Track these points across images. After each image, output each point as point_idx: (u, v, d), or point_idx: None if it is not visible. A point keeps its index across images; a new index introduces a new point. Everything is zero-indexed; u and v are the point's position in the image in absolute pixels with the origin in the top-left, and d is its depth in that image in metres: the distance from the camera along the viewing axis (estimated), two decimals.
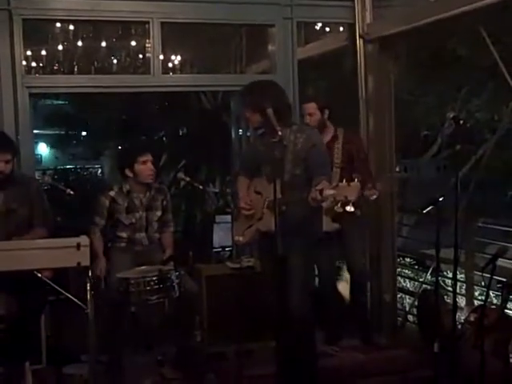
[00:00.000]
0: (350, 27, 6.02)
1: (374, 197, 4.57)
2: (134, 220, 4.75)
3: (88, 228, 4.66)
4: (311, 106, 4.98)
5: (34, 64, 5.77)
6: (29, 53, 5.60)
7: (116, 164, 5.33)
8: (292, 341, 3.97)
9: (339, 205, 3.56)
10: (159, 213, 4.86)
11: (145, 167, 4.69)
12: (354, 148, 4.99)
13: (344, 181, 3.55)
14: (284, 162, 3.93)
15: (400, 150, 5.12)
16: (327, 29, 6.71)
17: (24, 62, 5.27)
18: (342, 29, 6.34)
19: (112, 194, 4.75)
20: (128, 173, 4.71)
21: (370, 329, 5.20)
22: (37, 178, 5.54)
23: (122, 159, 4.92)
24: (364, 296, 5.29)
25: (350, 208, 3.69)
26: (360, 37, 5.93)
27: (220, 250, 5.81)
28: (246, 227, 4.14)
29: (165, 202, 4.90)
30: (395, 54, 6.30)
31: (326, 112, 5.01)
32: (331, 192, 3.54)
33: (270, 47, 6.06)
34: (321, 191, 3.55)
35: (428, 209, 4.04)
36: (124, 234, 4.75)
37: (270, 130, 3.88)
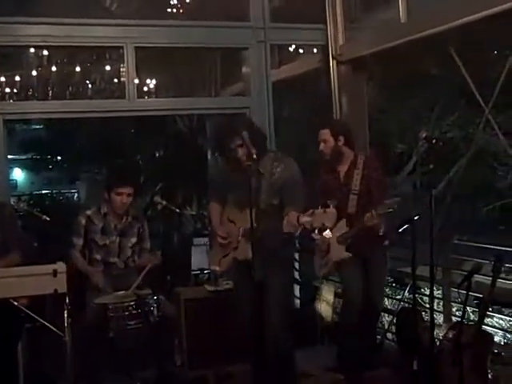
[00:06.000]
0: (323, 49, 6.10)
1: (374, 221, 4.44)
2: (107, 242, 4.76)
3: (66, 252, 4.66)
4: (325, 133, 4.70)
5: (7, 90, 5.76)
6: (2, 79, 5.59)
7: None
8: (271, 362, 3.97)
9: (316, 231, 3.60)
10: (134, 239, 4.85)
11: (118, 198, 4.70)
12: (372, 176, 4.70)
13: (320, 207, 3.57)
14: (259, 191, 3.93)
15: None
16: (301, 51, 6.79)
17: None
18: (315, 50, 6.42)
19: (88, 213, 4.78)
20: (106, 196, 4.74)
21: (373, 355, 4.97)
22: (12, 203, 5.50)
23: (105, 181, 4.96)
24: (373, 327, 5.03)
25: (327, 234, 3.72)
26: (333, 58, 6.01)
27: (198, 272, 5.79)
28: (222, 256, 4.15)
29: (141, 230, 4.89)
30: (368, 75, 6.40)
31: (341, 139, 4.69)
32: (308, 219, 3.58)
33: (244, 70, 6.12)
34: (297, 218, 3.58)
35: (404, 227, 4.07)
36: (98, 257, 4.74)
37: (246, 155, 3.86)
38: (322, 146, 4.74)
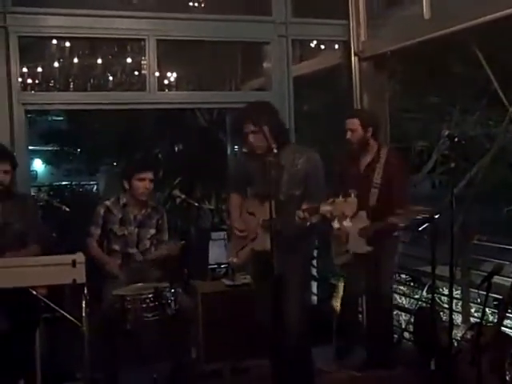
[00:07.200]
0: (345, 45, 6.06)
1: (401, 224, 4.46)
2: (126, 232, 4.76)
3: (84, 241, 4.68)
4: (353, 122, 4.71)
5: (29, 81, 5.77)
6: (25, 70, 5.61)
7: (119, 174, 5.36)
8: (288, 358, 3.96)
9: (336, 220, 3.59)
10: (152, 231, 4.85)
11: (141, 184, 4.69)
12: (394, 169, 4.70)
13: (340, 196, 3.56)
14: (280, 182, 3.92)
15: None
16: (322, 46, 6.75)
17: (20, 79, 5.29)
18: (336, 46, 6.38)
19: (107, 203, 4.79)
20: (126, 185, 4.75)
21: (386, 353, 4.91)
22: (32, 194, 5.53)
23: (123, 170, 4.96)
24: (387, 320, 5.01)
25: (347, 223, 3.71)
26: (355, 54, 5.97)
27: (215, 266, 5.80)
28: (240, 248, 4.14)
29: (160, 222, 4.89)
30: (390, 72, 6.35)
31: (370, 130, 4.72)
32: (328, 208, 3.57)
33: (265, 64, 6.09)
34: (309, 210, 3.58)
35: (424, 226, 4.03)
36: (116, 247, 4.74)
37: (265, 148, 3.86)
38: (349, 134, 4.74)
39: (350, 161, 4.85)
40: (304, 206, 3.73)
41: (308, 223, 3.77)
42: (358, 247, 4.65)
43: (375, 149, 4.78)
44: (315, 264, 6.02)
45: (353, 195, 3.57)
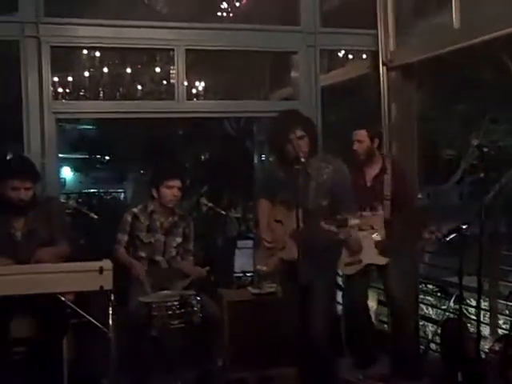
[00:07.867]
0: (373, 54, 6.05)
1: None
2: (153, 240, 4.80)
3: (112, 248, 4.73)
4: (362, 133, 4.82)
5: (60, 90, 5.87)
6: (56, 79, 5.70)
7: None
8: (314, 367, 3.95)
9: (365, 233, 3.60)
10: (179, 239, 4.89)
11: (169, 192, 4.74)
12: (402, 180, 4.77)
13: (369, 210, 3.58)
14: (307, 191, 3.92)
15: (423, 176, 5.06)
16: (350, 56, 6.75)
17: (51, 88, 5.37)
18: (365, 56, 6.37)
19: (135, 210, 4.84)
20: (154, 193, 4.80)
21: (412, 362, 4.88)
22: (62, 201, 5.59)
23: (152, 179, 5.01)
24: (405, 327, 4.96)
25: (376, 236, 3.71)
26: (383, 64, 5.94)
27: (241, 274, 5.81)
28: (269, 256, 4.14)
29: (187, 230, 4.92)
30: (418, 81, 6.31)
31: (376, 141, 4.84)
32: (356, 221, 3.58)
33: (293, 74, 6.11)
34: (336, 222, 3.59)
35: (451, 236, 4.01)
36: (143, 254, 4.79)
37: (293, 157, 3.88)
38: (356, 145, 4.82)
39: (356, 172, 4.85)
40: (331, 218, 3.72)
41: (334, 235, 3.77)
42: (375, 259, 4.64)
43: (380, 160, 4.85)
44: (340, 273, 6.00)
45: (380, 209, 3.59)
